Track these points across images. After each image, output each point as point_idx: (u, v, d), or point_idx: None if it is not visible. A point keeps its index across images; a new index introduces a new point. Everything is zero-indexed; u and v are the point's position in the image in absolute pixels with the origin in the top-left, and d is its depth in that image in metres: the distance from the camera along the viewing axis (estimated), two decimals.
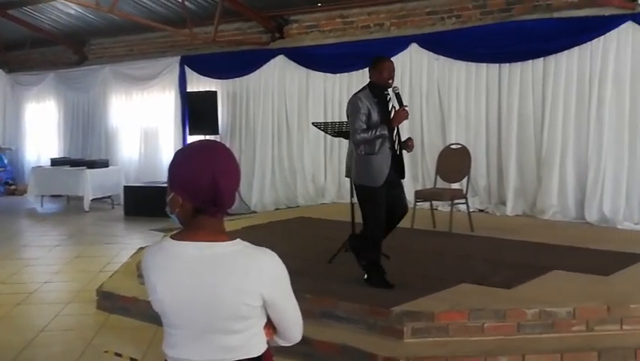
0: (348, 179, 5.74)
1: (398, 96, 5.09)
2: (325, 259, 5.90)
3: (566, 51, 7.95)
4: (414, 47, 9.18)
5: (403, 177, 5.25)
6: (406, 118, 5.11)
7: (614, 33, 7.62)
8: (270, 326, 1.89)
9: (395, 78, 5.11)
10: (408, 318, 4.43)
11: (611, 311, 4.51)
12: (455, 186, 8.18)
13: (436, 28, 9.09)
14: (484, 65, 8.68)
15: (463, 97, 8.90)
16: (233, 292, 1.74)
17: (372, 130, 4.94)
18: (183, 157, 1.80)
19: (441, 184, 8.03)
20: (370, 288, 4.99)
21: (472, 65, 8.78)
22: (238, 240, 1.81)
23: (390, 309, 4.49)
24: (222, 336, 1.78)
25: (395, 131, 5.10)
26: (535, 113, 8.34)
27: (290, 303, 1.88)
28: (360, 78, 9.72)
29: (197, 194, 1.75)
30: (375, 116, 4.98)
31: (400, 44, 9.25)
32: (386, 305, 4.55)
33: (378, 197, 5.01)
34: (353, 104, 5.06)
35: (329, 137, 8.48)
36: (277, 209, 10.17)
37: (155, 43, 12.16)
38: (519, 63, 8.35)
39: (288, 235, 7.47)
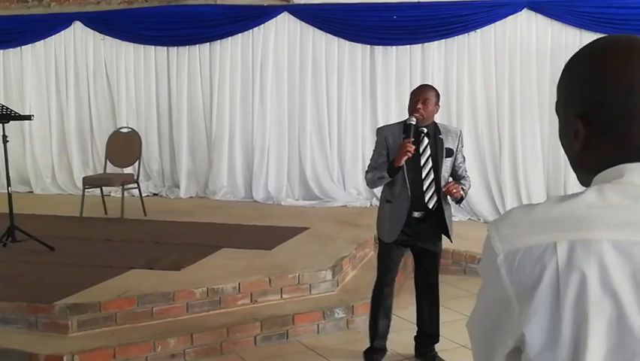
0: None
1: (408, 127, 3.85)
2: None
3: (230, 37, 8.26)
4: (78, 25, 8.68)
5: (447, 235, 4.04)
6: (406, 154, 3.73)
7: (272, 22, 8.12)
8: None
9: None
10: (73, 311, 4.20)
11: (272, 283, 4.84)
12: (128, 170, 8.01)
13: (101, 7, 8.71)
14: (153, 47, 8.58)
15: (133, 79, 8.69)
16: None
17: (377, 170, 3.94)
18: None
19: (112, 169, 7.80)
20: (31, 284, 4.61)
21: (140, 47, 8.62)
22: None
23: (52, 304, 4.21)
24: None
25: (418, 175, 3.91)
26: (204, 97, 8.51)
27: None
28: (19, 56, 8.95)
29: None
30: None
31: (61, 22, 8.67)
32: (48, 301, 4.25)
33: (388, 256, 4.06)
34: (376, 137, 4.11)
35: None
36: None
37: None
38: (187, 47, 8.43)
39: None
